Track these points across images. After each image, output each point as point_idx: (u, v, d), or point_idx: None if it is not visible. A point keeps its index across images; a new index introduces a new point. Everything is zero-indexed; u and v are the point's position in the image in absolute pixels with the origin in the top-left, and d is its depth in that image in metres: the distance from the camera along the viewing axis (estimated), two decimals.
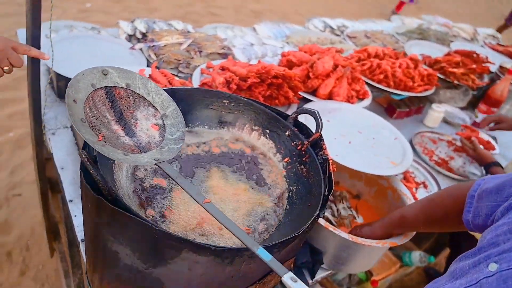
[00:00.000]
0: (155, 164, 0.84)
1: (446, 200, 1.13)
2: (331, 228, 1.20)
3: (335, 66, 1.81)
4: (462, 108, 2.67)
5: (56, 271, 2.41)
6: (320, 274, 1.32)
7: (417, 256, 2.59)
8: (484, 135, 2.28)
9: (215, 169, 1.07)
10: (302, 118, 1.38)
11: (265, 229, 0.96)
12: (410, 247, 2.94)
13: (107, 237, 0.80)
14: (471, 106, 2.70)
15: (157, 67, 1.77)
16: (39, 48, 1.33)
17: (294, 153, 1.12)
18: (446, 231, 1.29)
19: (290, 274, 0.68)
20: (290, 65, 1.86)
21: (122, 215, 0.72)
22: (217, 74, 1.57)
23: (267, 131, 1.18)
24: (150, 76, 1.60)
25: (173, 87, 1.13)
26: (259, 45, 2.40)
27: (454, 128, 2.45)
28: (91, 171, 0.71)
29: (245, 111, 1.19)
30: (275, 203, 1.03)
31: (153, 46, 2.00)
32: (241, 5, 6.87)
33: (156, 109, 0.94)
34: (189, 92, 1.15)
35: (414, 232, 1.29)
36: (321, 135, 1.08)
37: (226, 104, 1.19)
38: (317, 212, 0.87)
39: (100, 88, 0.86)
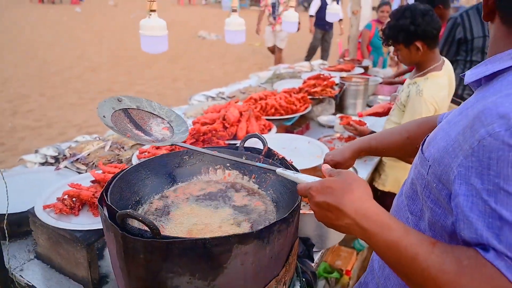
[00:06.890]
0: (171, 144, 1.14)
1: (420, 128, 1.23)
2: (307, 211, 1.37)
3: (240, 113, 2.06)
4: (333, 114, 3.17)
5: None
6: (316, 256, 1.46)
7: None
8: (355, 118, 2.75)
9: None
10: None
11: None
12: None
13: (165, 276, 0.84)
14: (338, 109, 3.22)
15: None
16: None
17: (256, 169, 1.28)
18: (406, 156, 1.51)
19: (280, 168, 0.98)
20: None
21: (175, 244, 0.80)
22: (157, 150, 1.68)
23: (228, 164, 1.33)
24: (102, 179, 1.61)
25: (137, 164, 1.21)
26: None
27: (336, 129, 2.89)
28: (140, 218, 0.78)
29: (203, 158, 1.33)
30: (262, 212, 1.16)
31: (77, 159, 1.93)
32: None
33: (163, 118, 1.20)
34: (153, 163, 1.24)
35: None
36: (269, 148, 1.28)
37: (187, 159, 1.31)
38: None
39: (119, 109, 1.13)
